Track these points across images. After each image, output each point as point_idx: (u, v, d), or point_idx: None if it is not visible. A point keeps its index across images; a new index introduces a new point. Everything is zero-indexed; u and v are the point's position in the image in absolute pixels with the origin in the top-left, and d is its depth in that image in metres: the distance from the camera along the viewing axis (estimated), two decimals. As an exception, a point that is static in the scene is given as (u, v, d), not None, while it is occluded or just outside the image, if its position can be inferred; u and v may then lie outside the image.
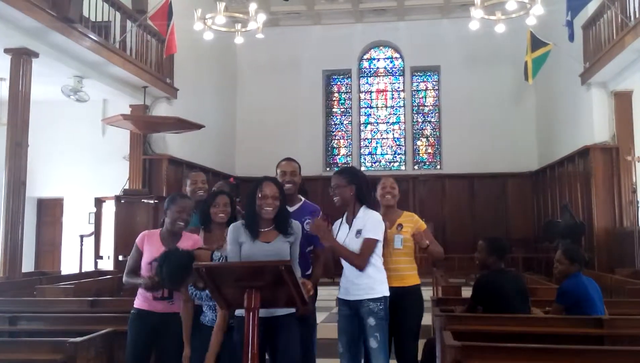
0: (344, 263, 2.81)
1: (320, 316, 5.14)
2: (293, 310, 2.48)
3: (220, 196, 3.03)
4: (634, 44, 6.53)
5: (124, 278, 2.93)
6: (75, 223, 9.06)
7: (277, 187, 2.57)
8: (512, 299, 3.25)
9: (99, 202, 7.98)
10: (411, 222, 3.07)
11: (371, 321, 2.70)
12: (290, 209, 2.89)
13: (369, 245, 2.75)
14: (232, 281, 2.18)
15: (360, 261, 2.73)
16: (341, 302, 2.84)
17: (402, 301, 2.86)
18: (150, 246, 2.87)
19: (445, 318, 3.06)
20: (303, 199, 3.14)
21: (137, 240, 2.92)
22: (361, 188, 2.86)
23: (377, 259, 2.80)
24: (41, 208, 9.76)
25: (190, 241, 2.90)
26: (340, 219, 2.94)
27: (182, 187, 3.58)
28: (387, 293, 2.78)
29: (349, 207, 2.88)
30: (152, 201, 7.71)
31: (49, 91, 7.47)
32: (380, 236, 2.79)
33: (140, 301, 2.87)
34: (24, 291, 5.20)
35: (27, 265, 7.49)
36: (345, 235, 2.83)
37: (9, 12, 5.48)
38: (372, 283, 2.74)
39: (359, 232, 2.78)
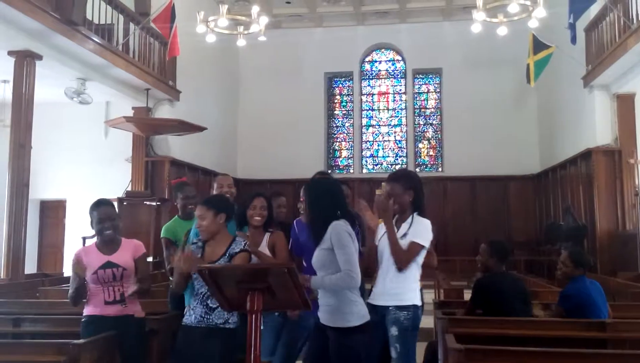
0: (379, 267, 2.70)
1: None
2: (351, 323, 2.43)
3: (257, 198, 3.04)
4: (637, 46, 6.52)
5: (69, 295, 2.88)
6: (77, 225, 9.05)
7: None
8: (512, 302, 3.25)
9: (101, 204, 7.98)
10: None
11: (393, 330, 2.57)
12: None
13: (414, 249, 2.61)
14: (235, 283, 2.19)
15: (404, 261, 2.59)
16: (369, 307, 2.69)
17: None
18: (90, 259, 2.86)
19: (448, 321, 3.06)
20: None
21: (74, 260, 2.88)
22: (419, 194, 2.72)
23: (415, 267, 2.67)
24: (44, 209, 9.79)
25: (131, 245, 2.92)
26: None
27: (210, 190, 3.62)
28: (418, 302, 2.63)
29: (403, 212, 2.71)
30: (154, 203, 7.72)
31: (52, 93, 7.50)
32: (427, 243, 2.64)
33: (91, 307, 2.85)
34: (26, 292, 5.21)
35: (30, 266, 7.51)
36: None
37: (13, 14, 5.51)
38: (401, 289, 2.61)
39: (404, 236, 2.64)
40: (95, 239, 2.99)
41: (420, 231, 2.63)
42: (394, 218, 2.75)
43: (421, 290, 3.10)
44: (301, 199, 2.71)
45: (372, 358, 2.68)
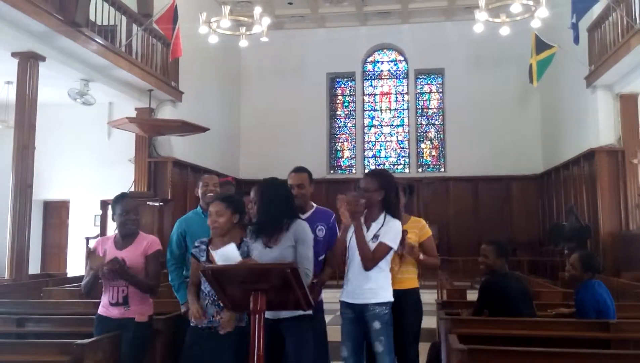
0: (350, 266, 2.78)
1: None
2: (300, 312, 2.47)
3: (249, 196, 3.02)
4: (640, 46, 6.51)
5: (83, 284, 2.91)
6: (81, 226, 9.11)
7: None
8: (518, 302, 3.25)
9: (104, 204, 8.02)
10: (416, 228, 3.07)
11: (376, 325, 2.68)
12: (303, 217, 2.88)
13: (382, 250, 2.71)
14: (238, 283, 2.19)
15: (370, 260, 2.69)
16: (344, 305, 2.81)
17: (401, 304, 2.85)
18: (104, 249, 2.88)
19: (451, 322, 3.05)
20: (315, 206, 3.11)
21: (92, 247, 2.93)
22: (389, 195, 2.79)
23: (385, 265, 2.78)
24: (47, 210, 9.83)
25: (145, 240, 2.91)
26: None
27: (195, 189, 3.61)
28: (391, 299, 2.76)
29: (371, 210, 2.80)
30: (157, 204, 7.75)
31: (56, 94, 7.53)
32: (395, 246, 2.76)
33: (100, 306, 2.91)
34: (30, 293, 5.23)
35: (33, 267, 7.53)
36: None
37: (17, 16, 5.54)
38: (377, 288, 2.72)
39: (375, 237, 2.72)
40: (115, 231, 2.98)
41: (391, 233, 2.72)
42: (363, 214, 2.82)
43: (417, 289, 3.12)
44: (250, 200, 2.71)
45: (361, 353, 2.77)
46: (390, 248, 2.73)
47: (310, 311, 2.49)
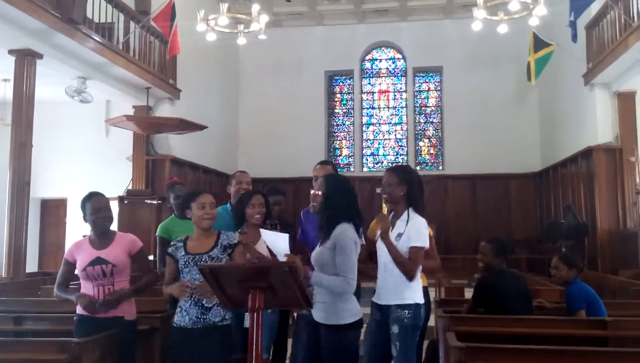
0: (379, 267, 2.72)
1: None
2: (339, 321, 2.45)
3: (255, 196, 3.00)
4: (638, 44, 6.51)
5: (55, 291, 2.89)
6: (78, 224, 9.06)
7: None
8: (514, 300, 3.25)
9: (102, 203, 7.99)
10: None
11: (395, 329, 2.58)
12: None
13: (416, 254, 2.61)
14: (236, 281, 2.19)
15: (412, 268, 2.59)
16: (374, 306, 2.75)
17: None
18: (81, 254, 2.82)
19: (449, 319, 3.06)
20: None
21: (66, 254, 2.88)
22: (412, 189, 2.72)
23: None
24: (45, 208, 9.79)
25: (125, 240, 2.88)
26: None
27: (226, 187, 3.58)
28: (420, 301, 2.64)
29: (396, 207, 2.74)
30: (155, 202, 7.74)
31: (53, 92, 7.50)
32: (426, 243, 2.65)
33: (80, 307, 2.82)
34: (28, 291, 5.23)
35: (31, 265, 7.52)
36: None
37: (13, 13, 5.51)
38: (402, 288, 2.61)
39: (399, 235, 2.64)
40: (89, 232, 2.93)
41: (417, 233, 2.63)
42: (390, 213, 2.77)
43: (426, 287, 3.11)
44: (317, 192, 2.61)
45: (377, 356, 2.69)
46: (422, 248, 2.64)
47: (351, 320, 2.45)
